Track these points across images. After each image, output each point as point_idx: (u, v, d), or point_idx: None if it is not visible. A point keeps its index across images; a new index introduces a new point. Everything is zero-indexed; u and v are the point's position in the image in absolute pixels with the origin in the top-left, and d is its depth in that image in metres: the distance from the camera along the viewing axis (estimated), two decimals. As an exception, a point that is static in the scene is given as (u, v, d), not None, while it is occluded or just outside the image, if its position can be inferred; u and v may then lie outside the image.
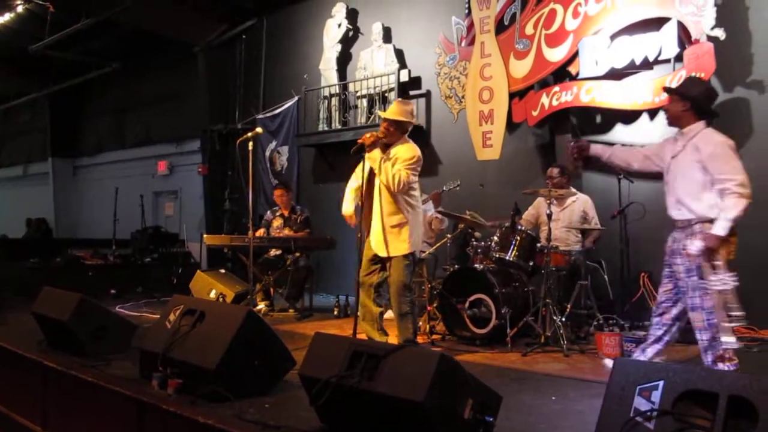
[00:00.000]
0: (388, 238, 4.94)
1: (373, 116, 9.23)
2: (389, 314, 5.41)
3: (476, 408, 2.64)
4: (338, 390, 2.76)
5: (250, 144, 6.00)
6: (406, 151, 4.96)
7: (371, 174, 5.04)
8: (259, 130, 6.45)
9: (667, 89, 4.24)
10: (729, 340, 3.76)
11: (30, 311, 5.05)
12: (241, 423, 2.98)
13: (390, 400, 2.56)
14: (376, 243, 5.01)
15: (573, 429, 3.10)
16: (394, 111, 5.08)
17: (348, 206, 5.34)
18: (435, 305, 5.95)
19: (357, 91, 9.69)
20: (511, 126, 7.99)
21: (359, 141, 4.91)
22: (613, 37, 6.99)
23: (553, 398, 3.73)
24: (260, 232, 7.70)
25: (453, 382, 2.60)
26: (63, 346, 4.65)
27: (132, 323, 5.05)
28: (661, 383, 2.24)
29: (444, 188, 7.02)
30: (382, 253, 4.98)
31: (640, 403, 2.23)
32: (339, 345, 2.95)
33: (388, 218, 4.96)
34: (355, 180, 5.30)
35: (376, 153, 4.91)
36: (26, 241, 13.17)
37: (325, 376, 2.80)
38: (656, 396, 2.22)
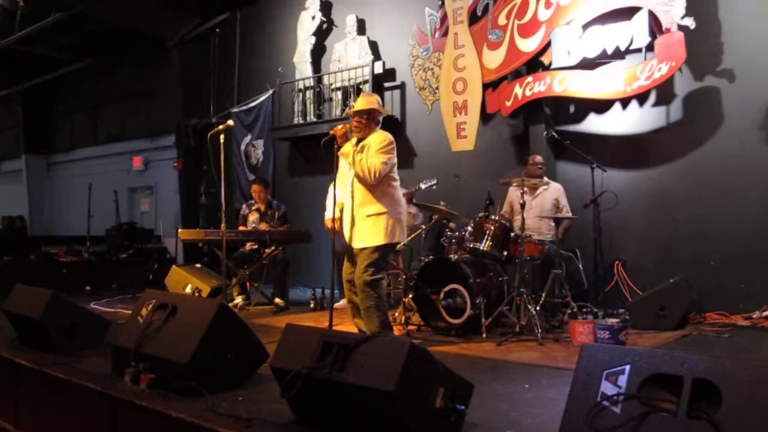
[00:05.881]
0: (362, 228, 4.84)
1: (348, 109, 9.22)
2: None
3: (448, 396, 2.64)
4: (309, 381, 2.74)
5: (222, 137, 5.95)
6: (377, 137, 4.87)
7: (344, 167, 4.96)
8: (230, 122, 6.38)
9: None
10: None
11: (1, 309, 4.99)
12: (214, 417, 2.96)
13: (361, 390, 2.56)
14: (349, 235, 4.93)
15: (545, 416, 3.11)
16: (362, 102, 5.00)
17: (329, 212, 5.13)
18: (410, 296, 5.95)
19: (331, 84, 9.66)
20: (485, 117, 8.02)
21: (330, 132, 4.86)
22: (585, 27, 7.02)
23: (527, 386, 3.75)
24: (242, 227, 7.68)
25: (424, 371, 2.60)
26: (35, 343, 4.60)
27: (104, 319, 4.99)
28: (627, 367, 2.25)
29: (421, 186, 6.87)
30: (354, 244, 4.90)
31: (607, 388, 2.25)
32: (310, 336, 2.94)
33: (363, 208, 4.85)
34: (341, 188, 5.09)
35: (348, 146, 4.85)
36: (-1, 239, 13.01)
37: (297, 368, 2.79)
38: (623, 380, 2.23)
